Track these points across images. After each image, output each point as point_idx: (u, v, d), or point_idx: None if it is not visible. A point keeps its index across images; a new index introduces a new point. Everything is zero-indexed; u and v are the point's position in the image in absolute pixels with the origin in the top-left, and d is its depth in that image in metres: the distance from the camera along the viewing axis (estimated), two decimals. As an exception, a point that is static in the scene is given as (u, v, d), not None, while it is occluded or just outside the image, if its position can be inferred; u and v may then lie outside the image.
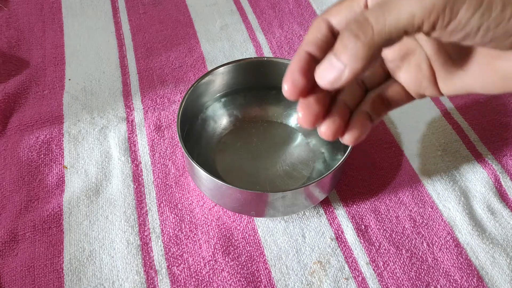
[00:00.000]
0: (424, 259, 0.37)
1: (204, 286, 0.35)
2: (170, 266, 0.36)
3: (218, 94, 0.43)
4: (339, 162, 0.34)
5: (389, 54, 0.26)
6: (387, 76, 0.28)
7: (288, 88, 0.24)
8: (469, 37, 0.21)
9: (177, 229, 0.38)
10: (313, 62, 0.24)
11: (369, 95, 0.28)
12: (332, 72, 0.21)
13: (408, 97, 0.28)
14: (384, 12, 0.20)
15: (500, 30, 0.20)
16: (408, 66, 0.26)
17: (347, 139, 0.26)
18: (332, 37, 0.24)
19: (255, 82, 0.43)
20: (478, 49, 0.23)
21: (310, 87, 0.24)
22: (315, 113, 0.24)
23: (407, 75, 0.26)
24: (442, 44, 0.25)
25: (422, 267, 0.36)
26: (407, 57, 0.26)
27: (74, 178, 0.41)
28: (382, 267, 0.36)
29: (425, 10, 0.20)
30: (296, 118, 0.25)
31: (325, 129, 0.25)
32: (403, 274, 0.36)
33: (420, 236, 0.38)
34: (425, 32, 0.21)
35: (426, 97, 0.27)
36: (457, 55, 0.24)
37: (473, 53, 0.24)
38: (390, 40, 0.21)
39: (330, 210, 0.39)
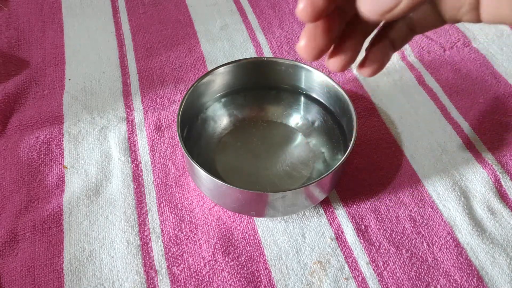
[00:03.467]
0: (424, 259, 0.37)
1: (204, 286, 0.35)
2: (170, 266, 0.36)
3: (218, 94, 0.43)
4: (339, 162, 0.34)
5: None
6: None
7: (303, 6, 0.20)
8: None
9: (177, 229, 0.38)
10: None
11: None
12: (386, 1, 0.17)
13: (438, 21, 0.24)
14: None
15: None
16: None
17: (366, 71, 0.23)
18: None
19: (255, 82, 0.43)
20: None
21: (329, 10, 0.20)
22: (319, 46, 0.21)
23: None
24: None
25: (422, 267, 0.36)
26: None
27: (74, 178, 0.41)
28: (382, 267, 0.36)
29: None
30: (296, 47, 0.22)
31: (333, 63, 0.23)
32: (403, 274, 0.36)
33: (420, 236, 0.38)
34: None
35: (461, 22, 0.23)
36: None
37: None
38: None
39: (330, 210, 0.39)
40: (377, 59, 0.23)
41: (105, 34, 0.55)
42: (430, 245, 0.37)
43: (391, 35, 0.24)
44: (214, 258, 0.36)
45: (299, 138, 0.42)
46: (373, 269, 0.36)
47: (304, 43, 0.21)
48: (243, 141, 0.42)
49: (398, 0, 0.17)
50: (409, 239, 0.38)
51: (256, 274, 0.36)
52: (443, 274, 0.36)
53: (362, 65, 0.24)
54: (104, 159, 0.43)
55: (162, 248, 0.37)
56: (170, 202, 0.40)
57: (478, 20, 0.22)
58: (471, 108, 0.47)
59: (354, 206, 0.40)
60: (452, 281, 0.35)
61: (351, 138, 0.35)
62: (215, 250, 0.37)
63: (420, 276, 0.36)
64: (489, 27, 0.55)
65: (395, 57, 0.52)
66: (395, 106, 0.47)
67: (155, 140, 0.44)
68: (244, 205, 0.35)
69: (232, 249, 0.37)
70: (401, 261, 0.36)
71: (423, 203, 0.40)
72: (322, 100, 0.42)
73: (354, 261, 0.36)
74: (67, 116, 0.46)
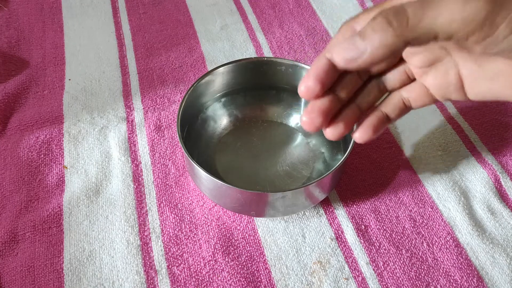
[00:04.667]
0: (424, 259, 0.37)
1: (204, 286, 0.35)
2: (170, 266, 0.36)
3: (218, 94, 0.43)
4: (339, 162, 0.34)
5: (418, 61, 0.26)
6: (410, 81, 0.28)
7: (303, 90, 0.25)
8: (502, 53, 0.20)
9: (177, 229, 0.38)
10: (331, 70, 0.24)
11: (389, 96, 0.28)
12: (352, 51, 0.22)
13: (431, 100, 0.28)
14: (424, 8, 0.20)
15: None
16: (436, 72, 0.26)
17: (357, 137, 0.27)
18: None
19: (255, 82, 0.43)
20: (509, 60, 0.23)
21: (324, 91, 0.25)
22: (318, 123, 0.26)
23: (434, 80, 0.26)
24: (472, 54, 0.24)
25: (422, 267, 0.36)
26: (435, 63, 0.26)
27: (74, 178, 0.41)
28: (382, 267, 0.36)
29: (466, 20, 0.19)
30: (300, 119, 0.26)
31: (328, 133, 0.27)
32: (403, 274, 0.36)
33: (420, 236, 0.38)
34: (456, 40, 0.20)
35: (451, 100, 0.27)
36: (486, 64, 0.24)
37: (503, 64, 0.23)
38: (419, 40, 0.20)
39: (330, 210, 0.39)
40: (367, 128, 0.27)
41: (105, 34, 0.55)
42: (430, 245, 0.37)
43: (385, 109, 0.27)
44: (214, 258, 0.36)
45: (299, 138, 0.42)
46: (373, 269, 0.36)
47: (306, 119, 0.26)
48: (243, 141, 0.42)
49: (362, 53, 0.21)
50: (409, 239, 0.38)
51: (256, 274, 0.36)
52: (443, 274, 0.36)
53: (355, 131, 0.27)
54: (104, 159, 0.43)
55: (162, 248, 0.37)
56: (170, 202, 0.40)
57: (465, 98, 0.26)
58: (471, 108, 0.47)
59: (354, 206, 0.40)
60: (452, 281, 0.35)
61: (351, 138, 0.35)
62: (215, 250, 0.37)
63: (420, 276, 0.36)
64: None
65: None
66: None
67: (155, 140, 0.44)
68: (244, 205, 0.35)
69: (232, 249, 0.37)
70: (401, 261, 0.36)
71: (423, 203, 0.40)
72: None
73: (354, 261, 0.36)
74: (67, 116, 0.46)
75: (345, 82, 0.26)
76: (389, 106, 0.28)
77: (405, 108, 0.28)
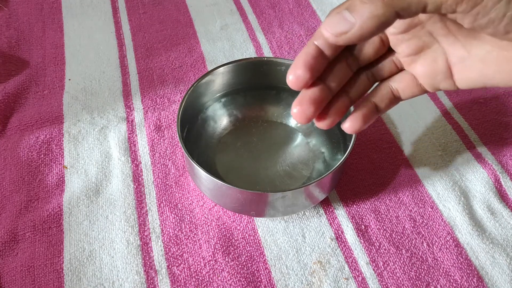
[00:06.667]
0: (424, 259, 0.37)
1: (204, 286, 0.35)
2: (170, 266, 0.36)
3: (218, 94, 0.43)
4: (339, 162, 0.34)
5: (405, 49, 0.26)
6: (399, 71, 0.28)
7: (291, 79, 0.24)
8: (492, 24, 0.20)
9: (177, 229, 0.38)
10: (320, 56, 0.24)
11: (378, 86, 0.28)
12: (341, 25, 0.21)
13: (420, 90, 0.27)
14: None
15: None
16: (424, 60, 0.26)
17: (347, 127, 0.27)
18: None
19: (255, 82, 0.43)
20: (497, 42, 0.23)
21: (313, 80, 0.24)
22: (309, 113, 0.25)
23: (423, 69, 0.26)
24: (459, 38, 0.24)
25: (422, 267, 0.36)
26: (423, 51, 0.26)
27: (74, 178, 0.41)
28: (382, 267, 0.36)
29: None
30: (290, 111, 0.26)
31: (320, 125, 0.26)
32: (403, 274, 0.36)
33: (420, 236, 0.38)
34: (444, 12, 0.20)
35: (440, 90, 0.27)
36: (474, 49, 0.24)
37: (492, 46, 0.23)
38: (409, 11, 0.20)
39: (330, 210, 0.39)
40: (358, 119, 0.27)
41: (105, 34, 0.55)
42: (430, 245, 0.37)
43: (375, 99, 0.27)
44: (214, 258, 0.36)
45: (299, 138, 0.42)
46: (373, 269, 0.36)
47: (296, 111, 0.25)
48: (243, 141, 0.42)
49: (352, 25, 0.20)
50: (409, 239, 0.38)
51: (256, 274, 0.36)
52: (443, 274, 0.36)
53: (345, 122, 0.27)
54: (104, 159, 0.43)
55: (162, 248, 0.37)
56: (170, 202, 0.40)
57: (455, 87, 0.25)
58: (471, 108, 0.47)
59: (354, 206, 0.40)
60: (452, 281, 0.35)
61: (351, 138, 0.35)
62: (215, 250, 0.37)
63: (420, 276, 0.36)
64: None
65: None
66: (395, 106, 0.47)
67: (155, 140, 0.44)
68: (244, 205, 0.35)
69: (232, 249, 0.37)
70: (401, 261, 0.36)
71: (423, 203, 0.40)
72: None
73: (354, 261, 0.36)
74: (67, 116, 0.46)
75: (335, 72, 0.26)
76: (378, 96, 0.28)
77: (394, 99, 0.28)
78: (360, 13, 0.20)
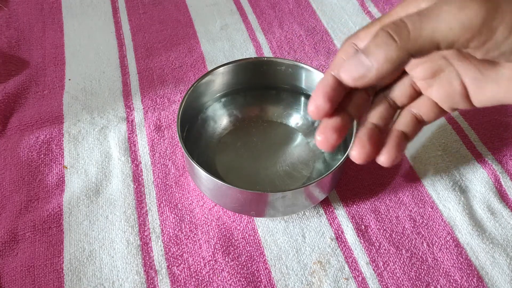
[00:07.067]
0: (424, 259, 0.37)
1: (204, 286, 0.35)
2: (170, 266, 0.36)
3: (218, 94, 0.43)
4: (339, 162, 0.34)
5: (420, 72, 0.26)
6: (418, 94, 0.28)
7: (312, 110, 0.25)
8: (503, 56, 0.21)
9: (177, 229, 0.38)
10: (338, 85, 0.25)
11: (402, 114, 0.28)
12: (358, 69, 0.22)
13: (441, 112, 0.28)
14: (422, 20, 0.20)
15: None
16: (440, 83, 0.26)
17: (384, 160, 0.26)
18: None
19: (255, 82, 0.43)
20: (509, 64, 0.23)
21: (334, 109, 0.25)
22: (332, 141, 0.25)
23: (439, 92, 0.27)
24: (472, 60, 0.25)
25: (422, 267, 0.36)
26: (438, 74, 0.26)
27: (74, 178, 0.41)
28: (382, 267, 0.36)
29: (463, 27, 0.20)
30: (314, 139, 0.27)
31: (356, 155, 0.26)
32: (403, 274, 0.36)
33: (420, 236, 0.38)
34: (458, 47, 0.21)
35: (459, 109, 0.27)
36: (488, 70, 0.24)
37: (504, 67, 0.24)
38: (423, 51, 0.21)
39: (330, 210, 0.39)
40: (392, 149, 0.26)
41: (105, 34, 0.55)
42: (430, 245, 0.37)
43: (401, 127, 0.27)
44: (214, 258, 0.36)
45: (299, 138, 0.42)
46: (373, 269, 0.36)
47: (320, 139, 0.26)
48: (243, 141, 0.42)
49: (369, 70, 0.22)
50: (409, 239, 0.38)
51: (256, 274, 0.36)
52: (443, 274, 0.36)
53: (379, 155, 0.27)
54: (104, 159, 0.43)
55: (162, 248, 0.37)
56: (170, 202, 0.40)
57: (472, 106, 0.26)
58: (471, 108, 0.47)
59: (354, 206, 0.40)
60: (452, 281, 0.35)
61: (351, 138, 0.35)
62: (215, 250, 0.37)
63: (420, 276, 0.36)
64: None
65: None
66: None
67: (155, 140, 0.44)
68: (244, 205, 0.35)
69: (232, 249, 0.37)
70: (401, 261, 0.36)
71: (423, 203, 0.40)
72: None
73: (354, 261, 0.36)
74: (67, 116, 0.46)
75: (354, 99, 0.27)
76: (403, 124, 0.28)
77: (419, 124, 0.28)
78: (375, 57, 0.21)
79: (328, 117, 0.26)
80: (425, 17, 0.20)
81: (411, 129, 0.28)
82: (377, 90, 0.29)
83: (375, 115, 0.28)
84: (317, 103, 0.25)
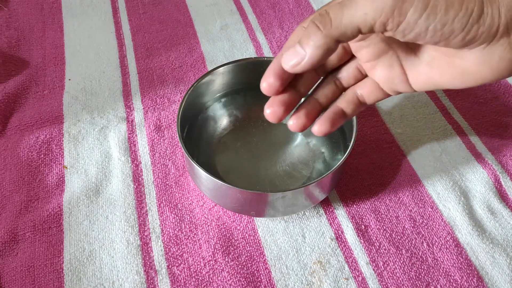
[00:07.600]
0: (424, 259, 0.37)
1: (204, 286, 0.35)
2: (170, 266, 0.36)
3: (218, 94, 0.43)
4: (339, 162, 0.34)
5: (365, 55, 0.28)
6: (363, 77, 0.30)
7: (264, 86, 0.28)
8: (420, 37, 0.23)
9: (177, 229, 0.38)
10: None
11: (345, 92, 0.30)
12: (294, 58, 0.25)
13: (383, 94, 0.30)
14: (342, 8, 0.23)
15: (446, 30, 0.22)
16: (382, 65, 0.28)
17: (314, 130, 0.29)
18: None
19: (255, 82, 0.42)
20: (439, 48, 0.25)
21: (285, 86, 0.28)
22: (280, 114, 0.28)
23: (381, 74, 0.28)
24: (410, 45, 0.27)
25: (422, 267, 0.36)
26: (381, 57, 0.28)
27: (74, 178, 0.41)
28: (382, 267, 0.36)
29: (376, 11, 0.22)
30: (263, 112, 0.29)
31: (291, 124, 0.29)
32: (403, 274, 0.36)
33: (420, 236, 0.38)
34: (378, 31, 0.23)
35: (401, 93, 0.30)
36: (422, 53, 0.26)
37: (435, 52, 0.26)
38: (346, 35, 0.23)
39: (330, 210, 0.39)
40: (325, 122, 0.29)
41: (105, 34, 0.55)
42: (430, 245, 0.37)
43: (341, 105, 0.30)
44: (214, 258, 0.36)
45: (299, 138, 0.42)
46: (373, 269, 0.36)
47: (269, 112, 0.28)
48: (243, 141, 0.42)
49: (303, 58, 0.24)
50: (409, 239, 0.38)
51: (256, 274, 0.36)
52: (443, 274, 0.36)
53: (313, 125, 0.29)
54: (104, 159, 0.43)
55: (162, 248, 0.37)
56: (170, 202, 0.40)
57: (411, 89, 0.28)
58: (471, 108, 0.47)
59: (354, 206, 0.40)
60: (452, 281, 0.35)
61: (351, 138, 0.35)
62: (215, 250, 0.37)
63: (420, 276, 0.36)
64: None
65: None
66: (395, 106, 0.47)
67: (155, 140, 0.44)
68: (244, 205, 0.35)
69: (232, 249, 0.37)
70: (401, 261, 0.36)
71: (423, 203, 0.40)
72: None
73: (354, 261, 0.36)
74: (67, 116, 0.46)
75: (304, 78, 0.29)
76: (344, 102, 0.30)
77: (360, 104, 0.30)
78: (307, 45, 0.24)
79: (279, 94, 0.28)
80: (344, 6, 0.23)
81: (351, 108, 0.30)
82: (327, 73, 0.31)
83: (319, 93, 0.30)
84: (268, 81, 0.27)
